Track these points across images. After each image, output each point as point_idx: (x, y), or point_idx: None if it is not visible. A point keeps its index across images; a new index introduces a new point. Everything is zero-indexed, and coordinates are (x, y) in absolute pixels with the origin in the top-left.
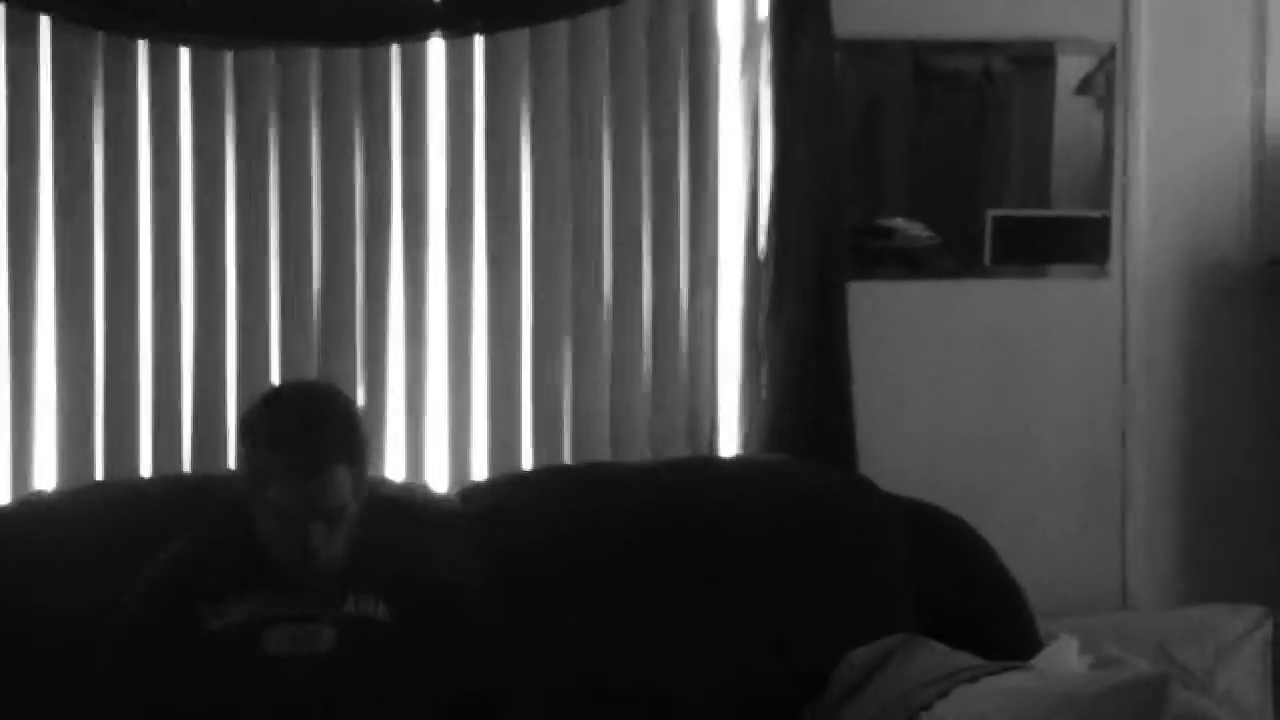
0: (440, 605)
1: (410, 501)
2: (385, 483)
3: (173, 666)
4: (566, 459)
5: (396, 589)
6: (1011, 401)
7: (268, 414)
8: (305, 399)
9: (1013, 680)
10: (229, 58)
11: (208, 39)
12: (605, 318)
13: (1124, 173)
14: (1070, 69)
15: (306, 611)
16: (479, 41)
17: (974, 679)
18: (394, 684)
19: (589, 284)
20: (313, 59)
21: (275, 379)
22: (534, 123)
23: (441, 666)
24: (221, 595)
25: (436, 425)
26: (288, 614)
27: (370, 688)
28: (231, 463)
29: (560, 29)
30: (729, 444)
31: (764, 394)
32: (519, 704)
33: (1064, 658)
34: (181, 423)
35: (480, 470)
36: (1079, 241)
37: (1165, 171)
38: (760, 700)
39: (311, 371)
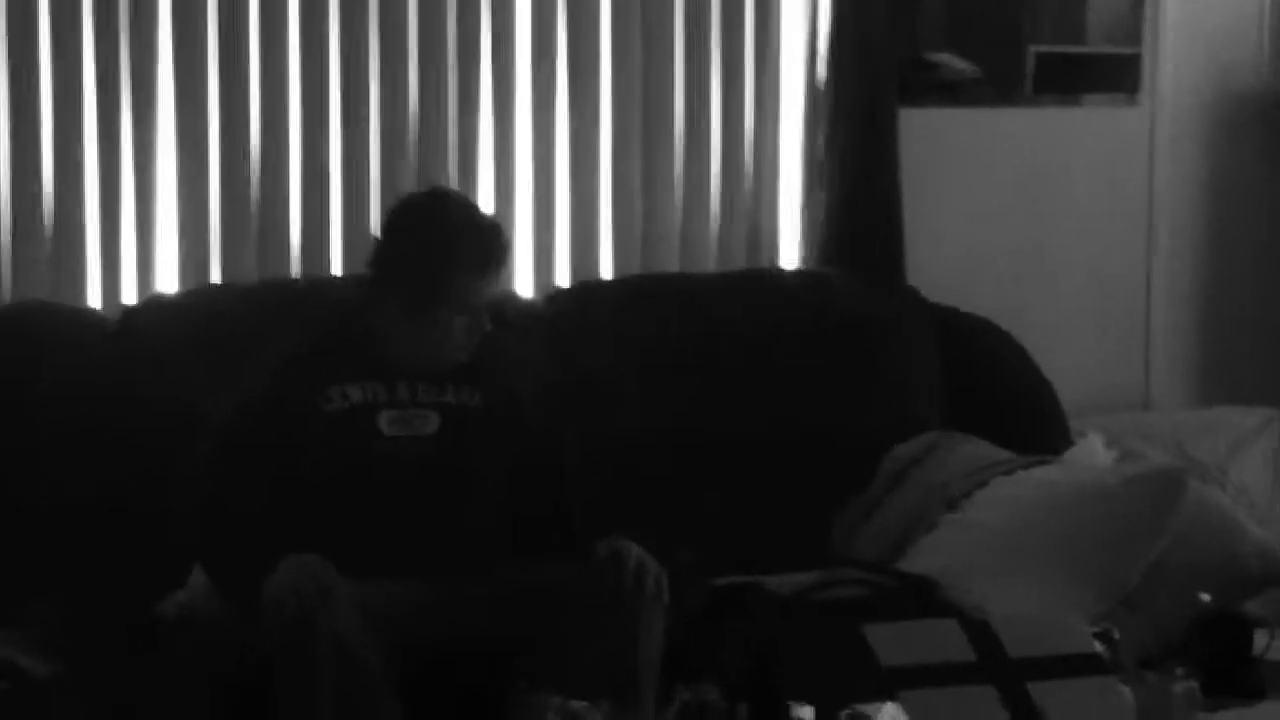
0: (523, 396)
1: (499, 305)
2: None
3: (296, 443)
4: (640, 268)
5: (488, 381)
6: (1047, 219)
7: (446, 215)
8: (468, 205)
9: (1044, 473)
10: None
11: None
12: (678, 141)
13: (1154, 11)
14: None
15: (413, 398)
16: None
17: (1009, 471)
18: (485, 463)
19: (662, 110)
20: None
21: (375, 194)
22: None
23: (523, 447)
24: (336, 382)
25: (523, 237)
26: (394, 400)
27: (465, 466)
28: (338, 268)
29: None
30: (788, 257)
31: (821, 212)
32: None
33: (1091, 453)
34: (290, 231)
35: (563, 277)
36: (1111, 75)
37: (1192, 10)
38: (810, 490)
39: (410, 185)
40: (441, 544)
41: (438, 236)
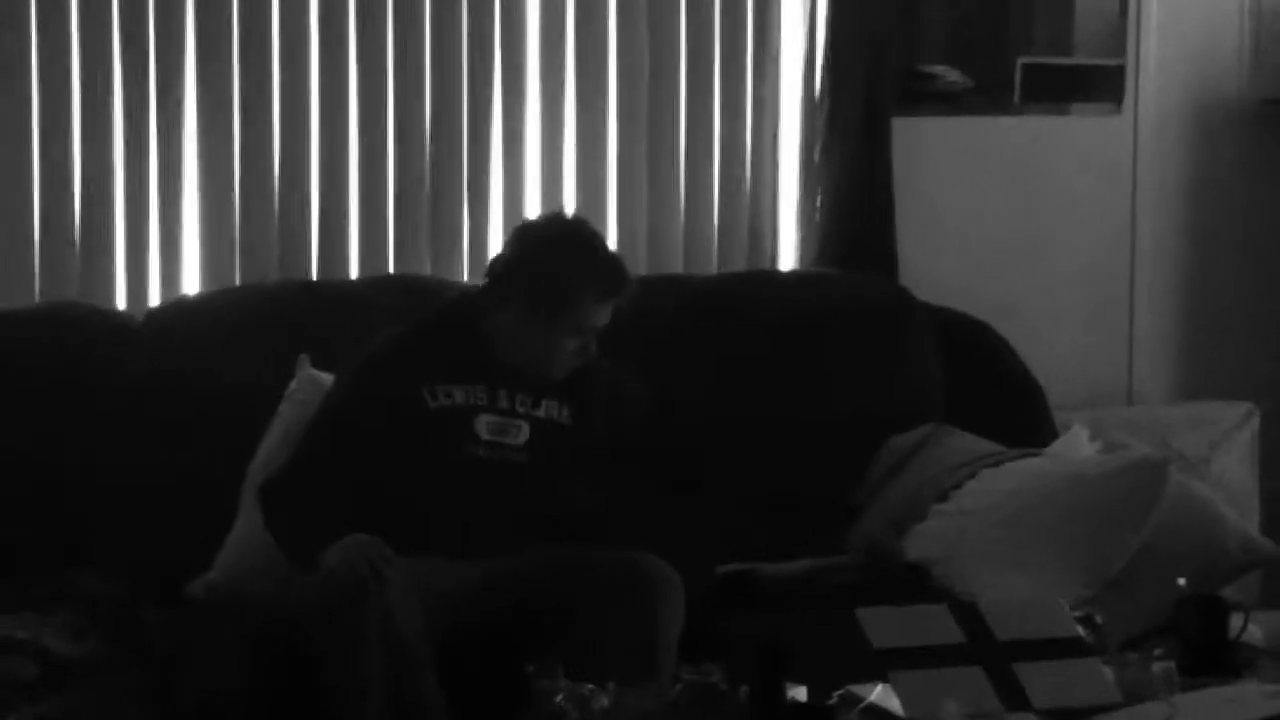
0: (607, 420)
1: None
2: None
3: (395, 432)
4: (644, 271)
5: (581, 399)
6: (1034, 223)
7: (581, 240)
8: (603, 242)
9: (1031, 464)
10: None
11: None
12: (680, 147)
13: (1137, 24)
14: None
15: (512, 407)
16: None
17: (998, 463)
18: (567, 477)
19: (666, 119)
20: None
21: (391, 191)
22: None
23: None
24: (440, 379)
25: None
26: (494, 406)
27: (549, 477)
28: (354, 269)
29: None
30: (787, 259)
31: (818, 215)
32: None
33: (1076, 445)
34: (309, 235)
35: None
36: (1097, 84)
37: (1173, 22)
38: (810, 478)
39: (424, 184)
40: (512, 546)
41: (575, 255)
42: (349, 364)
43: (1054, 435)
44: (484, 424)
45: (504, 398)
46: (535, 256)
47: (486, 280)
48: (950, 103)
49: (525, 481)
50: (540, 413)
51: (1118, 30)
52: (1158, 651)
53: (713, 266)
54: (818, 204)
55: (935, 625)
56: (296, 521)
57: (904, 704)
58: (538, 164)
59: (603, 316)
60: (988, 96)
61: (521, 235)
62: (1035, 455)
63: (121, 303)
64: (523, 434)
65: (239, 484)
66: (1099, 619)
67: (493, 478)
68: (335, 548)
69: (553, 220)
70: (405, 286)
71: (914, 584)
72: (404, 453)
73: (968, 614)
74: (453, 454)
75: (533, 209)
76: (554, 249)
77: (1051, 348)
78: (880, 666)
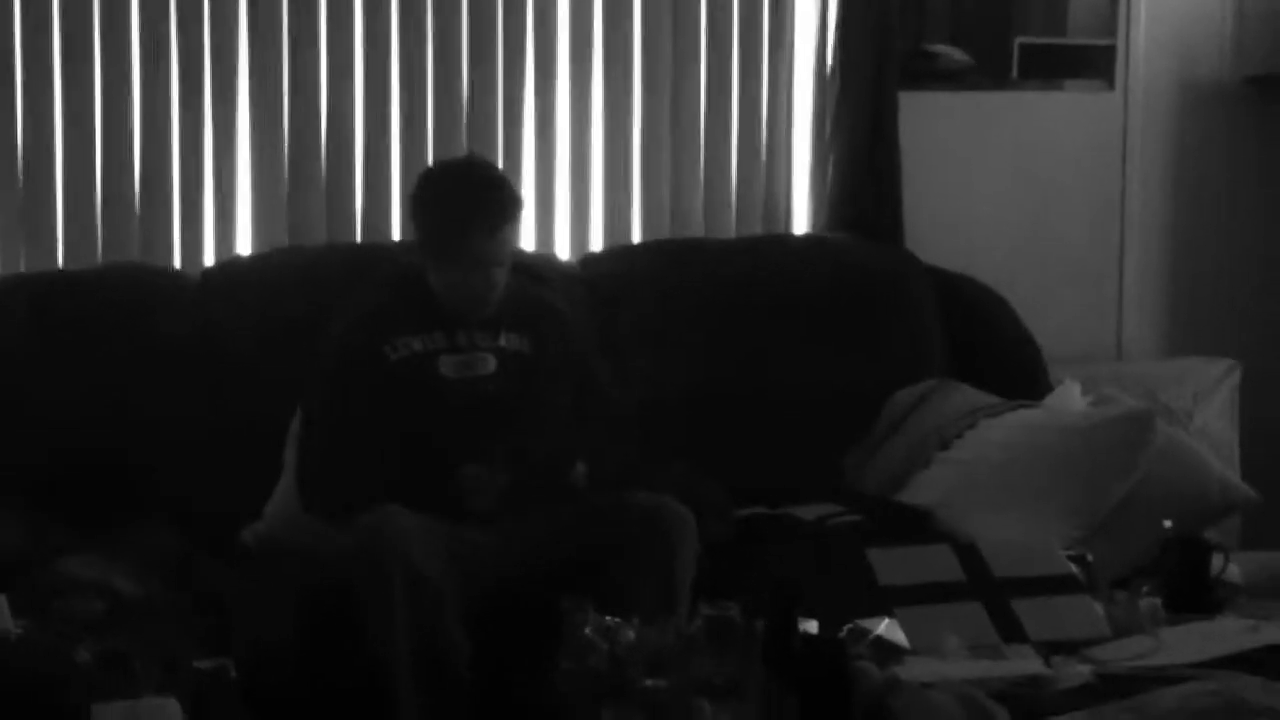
0: (557, 340)
1: (541, 266)
2: (522, 252)
3: (366, 389)
4: (667, 234)
5: (530, 321)
6: (1031, 192)
7: (452, 182)
8: (485, 174)
9: (1028, 415)
10: None
11: None
12: (701, 119)
13: (1128, 6)
14: None
15: (472, 343)
16: None
17: (996, 414)
18: (534, 401)
19: (688, 92)
20: None
21: (430, 158)
22: None
23: (567, 390)
24: (399, 334)
25: (562, 205)
26: (454, 347)
27: (518, 403)
28: (396, 233)
29: None
30: (800, 224)
31: (829, 184)
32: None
33: (1069, 398)
34: (354, 199)
35: (597, 242)
36: (1089, 63)
37: (1161, 4)
38: (822, 431)
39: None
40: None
41: (449, 194)
42: (319, 347)
43: (1049, 389)
44: (448, 364)
45: (462, 337)
46: (420, 207)
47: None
48: (953, 80)
49: (500, 408)
50: (502, 342)
51: (1109, 12)
52: (1144, 589)
53: (731, 231)
54: (829, 173)
55: (938, 564)
56: (332, 509)
57: (909, 637)
58: (567, 135)
59: (500, 245)
60: (988, 74)
61: (412, 191)
62: (1031, 407)
63: (178, 262)
64: (489, 364)
65: (285, 436)
66: (1090, 558)
67: (467, 410)
68: (361, 520)
69: (432, 168)
70: None
71: (918, 526)
72: (379, 407)
73: (968, 554)
74: (422, 395)
75: (563, 177)
76: (431, 194)
77: (1046, 307)
78: (886, 602)
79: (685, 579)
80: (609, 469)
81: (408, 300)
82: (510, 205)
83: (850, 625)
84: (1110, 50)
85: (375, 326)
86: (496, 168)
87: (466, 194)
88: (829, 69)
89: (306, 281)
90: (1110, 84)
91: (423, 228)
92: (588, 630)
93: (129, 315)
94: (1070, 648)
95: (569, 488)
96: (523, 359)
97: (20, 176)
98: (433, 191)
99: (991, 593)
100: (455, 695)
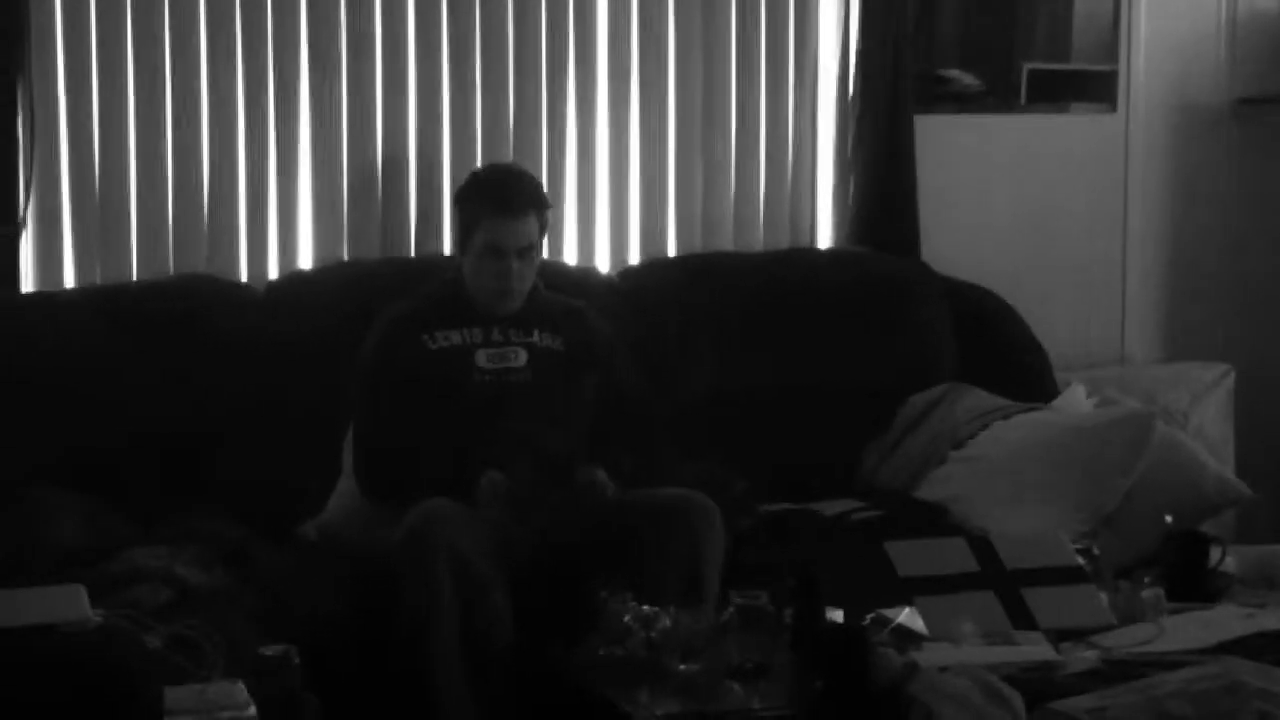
0: (597, 351)
1: (579, 277)
2: (562, 264)
3: (407, 376)
4: (699, 247)
5: (566, 327)
6: (1038, 208)
7: (477, 179)
8: (505, 168)
9: (1036, 416)
10: None
11: None
12: (730, 142)
13: (1128, 33)
14: None
15: (506, 339)
16: None
17: (1007, 415)
18: (561, 394)
19: (719, 115)
20: None
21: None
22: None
23: (595, 388)
24: (440, 328)
25: (602, 220)
26: (489, 341)
27: (548, 397)
28: (447, 247)
29: None
30: (824, 237)
31: (850, 200)
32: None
33: (1075, 400)
34: (408, 216)
35: (634, 255)
36: (1093, 87)
37: (1160, 32)
38: (843, 431)
39: None
40: (535, 459)
41: (467, 187)
42: (362, 345)
43: (1055, 392)
44: (483, 356)
45: (498, 333)
46: (454, 204)
47: None
48: (964, 103)
49: (530, 398)
50: (535, 339)
51: (1111, 39)
52: (1147, 579)
53: (759, 244)
54: (850, 190)
55: (953, 556)
56: (385, 492)
57: (927, 625)
58: (607, 155)
59: (517, 233)
60: (997, 98)
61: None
62: (1040, 409)
63: (244, 275)
64: (521, 358)
65: (342, 439)
66: (1096, 550)
67: (499, 397)
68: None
69: (469, 177)
70: None
71: (934, 520)
72: (420, 394)
73: (981, 546)
74: (460, 384)
75: (602, 195)
76: (463, 189)
77: (1053, 315)
78: (905, 592)
79: (714, 568)
80: (639, 466)
81: (448, 301)
82: (528, 195)
83: (872, 614)
84: (1112, 75)
85: (418, 320)
86: (524, 170)
87: (488, 185)
88: (850, 94)
89: (362, 292)
90: (1112, 106)
91: (456, 222)
92: (627, 618)
93: (196, 321)
94: (1078, 634)
95: (580, 485)
96: (554, 355)
97: (97, 194)
98: (464, 187)
99: (1004, 583)
100: (498, 674)
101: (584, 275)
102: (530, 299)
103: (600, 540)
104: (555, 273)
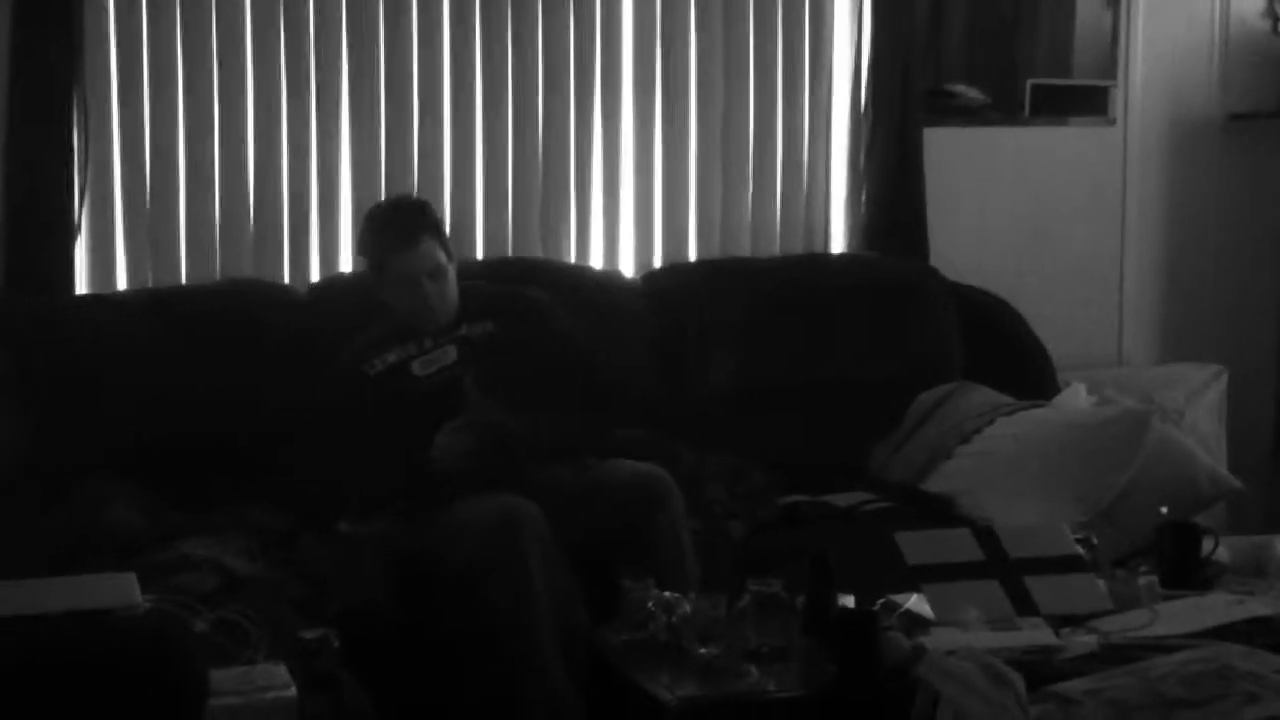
0: (531, 320)
1: (604, 279)
2: (588, 267)
3: (357, 398)
4: (719, 252)
5: (497, 310)
6: (1041, 215)
7: (370, 220)
8: (393, 203)
9: (1038, 413)
10: None
11: None
12: (749, 152)
13: (1126, 51)
14: None
15: (436, 344)
16: None
17: (1011, 412)
18: (504, 373)
19: (737, 127)
20: None
21: (510, 190)
22: (698, 20)
23: (534, 366)
24: (377, 354)
25: (626, 227)
26: (422, 351)
27: (487, 380)
28: (480, 251)
29: None
30: (837, 243)
31: (863, 208)
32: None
33: (1075, 399)
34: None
35: (657, 259)
36: (1092, 101)
37: (1155, 51)
38: (851, 426)
39: (537, 180)
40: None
41: (368, 222)
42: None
43: (1056, 391)
44: (418, 365)
45: (429, 342)
46: (357, 246)
47: None
48: (970, 116)
49: (467, 388)
50: (462, 331)
51: (1109, 56)
52: (1143, 568)
53: (776, 249)
54: (863, 199)
55: (959, 546)
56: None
57: (934, 610)
58: (631, 165)
59: (422, 257)
60: (1002, 111)
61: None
62: (1041, 407)
63: (286, 277)
64: (451, 354)
65: None
66: (1094, 540)
67: (439, 398)
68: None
69: (364, 219)
70: (525, 267)
71: (941, 512)
72: (368, 416)
73: (986, 536)
74: (401, 397)
75: (627, 202)
76: (362, 230)
77: (1054, 318)
78: (914, 580)
79: (684, 530)
80: (574, 426)
81: (386, 326)
82: (419, 222)
83: (882, 600)
84: (1110, 90)
85: (357, 356)
86: (411, 198)
87: (381, 222)
88: (862, 108)
89: None
90: (1111, 120)
91: (368, 260)
92: (650, 604)
93: (242, 322)
94: (1077, 620)
95: (535, 453)
96: (484, 340)
97: (148, 201)
98: (361, 231)
99: (1007, 571)
100: (582, 656)
101: (609, 278)
102: (461, 300)
103: (590, 522)
104: (580, 275)
